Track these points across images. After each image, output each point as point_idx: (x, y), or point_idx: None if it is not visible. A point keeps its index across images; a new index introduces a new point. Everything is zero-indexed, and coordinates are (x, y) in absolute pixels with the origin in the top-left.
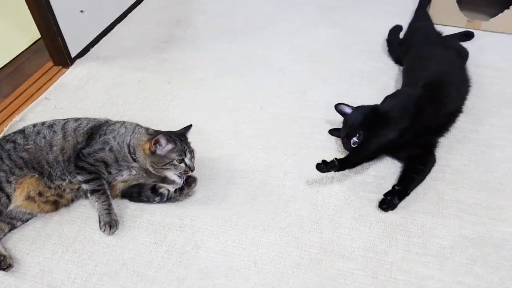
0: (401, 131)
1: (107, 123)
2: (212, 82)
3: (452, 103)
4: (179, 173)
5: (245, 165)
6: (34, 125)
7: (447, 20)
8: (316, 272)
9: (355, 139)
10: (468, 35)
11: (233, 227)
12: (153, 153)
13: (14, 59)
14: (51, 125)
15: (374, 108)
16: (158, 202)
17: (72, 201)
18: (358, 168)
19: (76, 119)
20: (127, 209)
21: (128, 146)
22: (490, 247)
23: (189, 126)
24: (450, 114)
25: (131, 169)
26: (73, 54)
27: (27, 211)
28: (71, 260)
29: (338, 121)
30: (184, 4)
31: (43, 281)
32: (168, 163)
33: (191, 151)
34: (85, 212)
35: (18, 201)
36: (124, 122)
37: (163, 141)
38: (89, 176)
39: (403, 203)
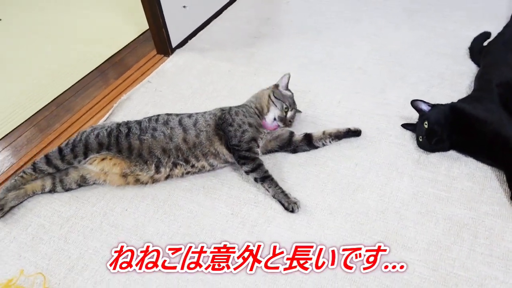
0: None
1: (224, 110)
2: (294, 76)
3: None
4: (278, 116)
5: (319, 152)
6: (149, 120)
7: None
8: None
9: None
10: None
11: (302, 207)
12: (276, 86)
13: (124, 47)
14: (165, 122)
15: (455, 108)
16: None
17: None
18: (429, 166)
19: (189, 115)
20: (210, 182)
21: (256, 107)
22: None
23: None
24: None
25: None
26: (173, 45)
27: (95, 180)
28: (160, 220)
29: (413, 119)
30: (273, 4)
31: (137, 233)
32: (280, 98)
33: (295, 113)
34: (174, 181)
35: (93, 171)
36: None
37: (286, 78)
38: (253, 164)
39: (473, 204)
